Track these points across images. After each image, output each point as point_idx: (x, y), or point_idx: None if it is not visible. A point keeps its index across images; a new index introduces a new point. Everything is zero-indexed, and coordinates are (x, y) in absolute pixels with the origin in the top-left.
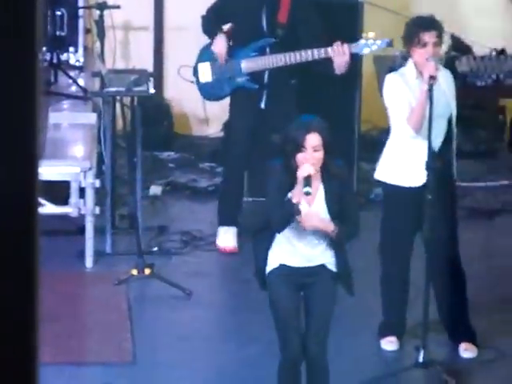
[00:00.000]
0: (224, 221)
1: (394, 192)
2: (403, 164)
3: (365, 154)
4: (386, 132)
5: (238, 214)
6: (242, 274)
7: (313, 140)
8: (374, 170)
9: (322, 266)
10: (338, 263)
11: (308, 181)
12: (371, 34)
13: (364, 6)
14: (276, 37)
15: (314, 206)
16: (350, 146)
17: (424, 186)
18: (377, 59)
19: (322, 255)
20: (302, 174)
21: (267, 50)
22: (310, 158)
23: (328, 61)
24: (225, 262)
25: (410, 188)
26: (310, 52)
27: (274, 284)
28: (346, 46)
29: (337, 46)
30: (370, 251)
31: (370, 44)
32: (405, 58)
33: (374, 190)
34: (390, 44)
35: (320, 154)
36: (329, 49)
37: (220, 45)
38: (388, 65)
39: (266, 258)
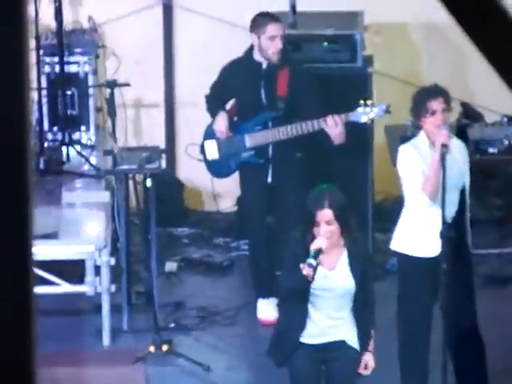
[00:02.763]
0: (261, 293)
1: (409, 262)
2: (418, 234)
3: (379, 224)
4: (399, 201)
5: (273, 284)
6: (260, 347)
7: (325, 216)
8: (389, 240)
9: (343, 343)
10: (360, 339)
11: (316, 253)
12: (369, 102)
13: (373, 75)
14: (277, 110)
15: (337, 270)
16: (364, 216)
17: (439, 255)
18: (388, 129)
19: (341, 329)
20: (313, 246)
21: (269, 123)
22: (324, 232)
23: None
24: (243, 336)
25: (426, 258)
26: (308, 124)
27: (294, 360)
28: (337, 117)
29: (329, 118)
30: (387, 322)
31: (367, 112)
32: (416, 127)
33: (389, 261)
34: (387, 110)
35: (333, 227)
36: (322, 120)
37: (220, 123)
38: (399, 134)
39: (286, 335)
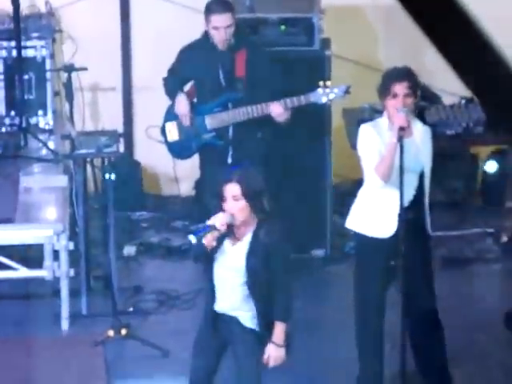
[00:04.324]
0: None
1: (364, 242)
2: (373, 214)
3: (338, 207)
4: (357, 184)
5: None
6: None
7: (231, 190)
8: None
9: (236, 319)
10: (260, 328)
11: (206, 230)
12: (328, 83)
13: (331, 58)
14: (236, 91)
15: (235, 250)
16: (322, 199)
17: (394, 236)
18: (345, 112)
19: (236, 304)
20: (208, 222)
21: (229, 104)
22: (230, 207)
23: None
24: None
25: (380, 239)
26: (266, 106)
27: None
28: (278, 105)
29: (273, 105)
30: (346, 305)
31: (327, 92)
32: (373, 110)
33: (348, 244)
34: (347, 91)
35: (240, 204)
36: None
37: (182, 106)
38: (357, 117)
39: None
